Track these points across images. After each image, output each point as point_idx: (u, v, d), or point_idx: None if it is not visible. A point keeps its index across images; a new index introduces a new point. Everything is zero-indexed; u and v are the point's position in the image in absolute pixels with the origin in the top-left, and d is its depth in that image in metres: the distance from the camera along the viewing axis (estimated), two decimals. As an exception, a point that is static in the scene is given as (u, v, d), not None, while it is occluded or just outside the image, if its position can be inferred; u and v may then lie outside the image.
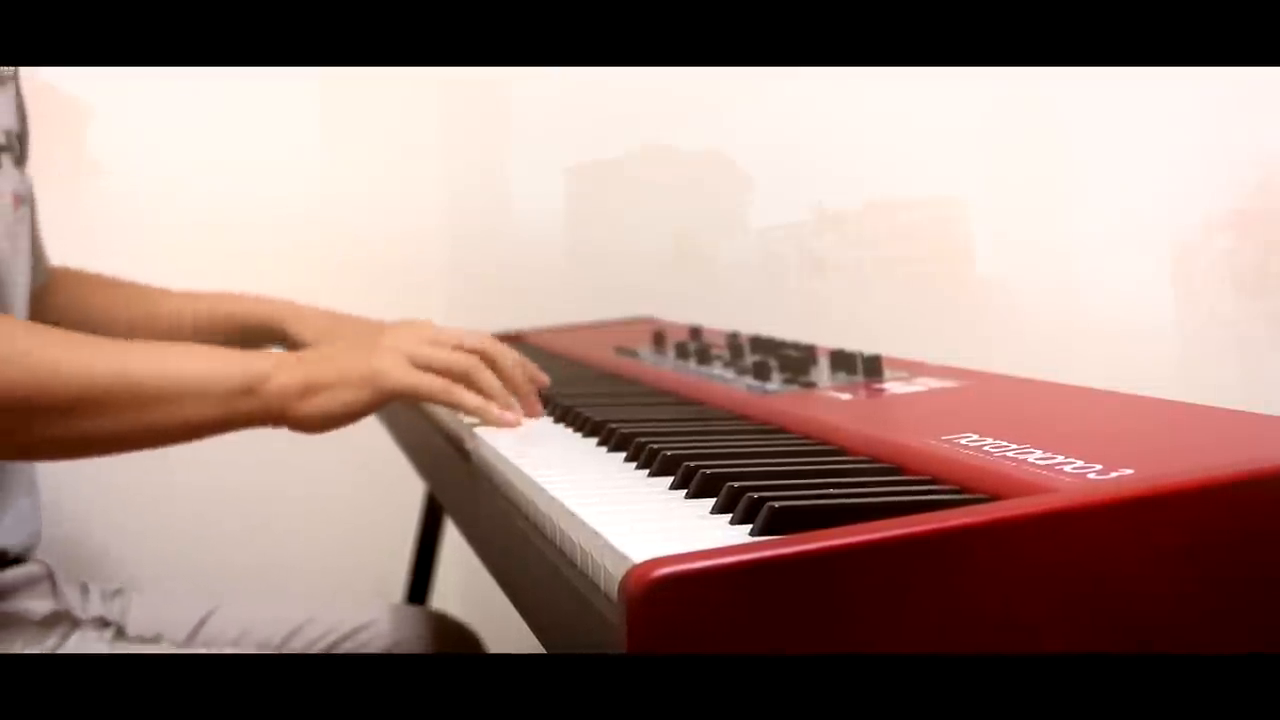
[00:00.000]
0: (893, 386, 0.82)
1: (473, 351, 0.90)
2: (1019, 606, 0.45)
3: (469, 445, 0.86)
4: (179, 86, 1.72)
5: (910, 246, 1.31)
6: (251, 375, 0.86)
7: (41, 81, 1.63)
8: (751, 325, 1.18)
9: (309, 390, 0.86)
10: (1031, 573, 0.46)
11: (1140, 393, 0.72)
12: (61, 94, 1.67)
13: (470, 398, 0.87)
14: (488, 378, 0.89)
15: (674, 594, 0.42)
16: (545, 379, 0.95)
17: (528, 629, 0.61)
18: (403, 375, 0.87)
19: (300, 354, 0.91)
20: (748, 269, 1.54)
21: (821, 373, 0.89)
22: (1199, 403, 0.66)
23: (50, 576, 1.07)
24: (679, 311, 1.47)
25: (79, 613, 1.07)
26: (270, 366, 0.87)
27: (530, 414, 0.90)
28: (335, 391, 0.86)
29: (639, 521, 0.55)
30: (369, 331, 0.96)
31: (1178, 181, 1.02)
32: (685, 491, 0.62)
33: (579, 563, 0.55)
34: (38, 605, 1.03)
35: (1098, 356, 1.07)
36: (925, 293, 1.28)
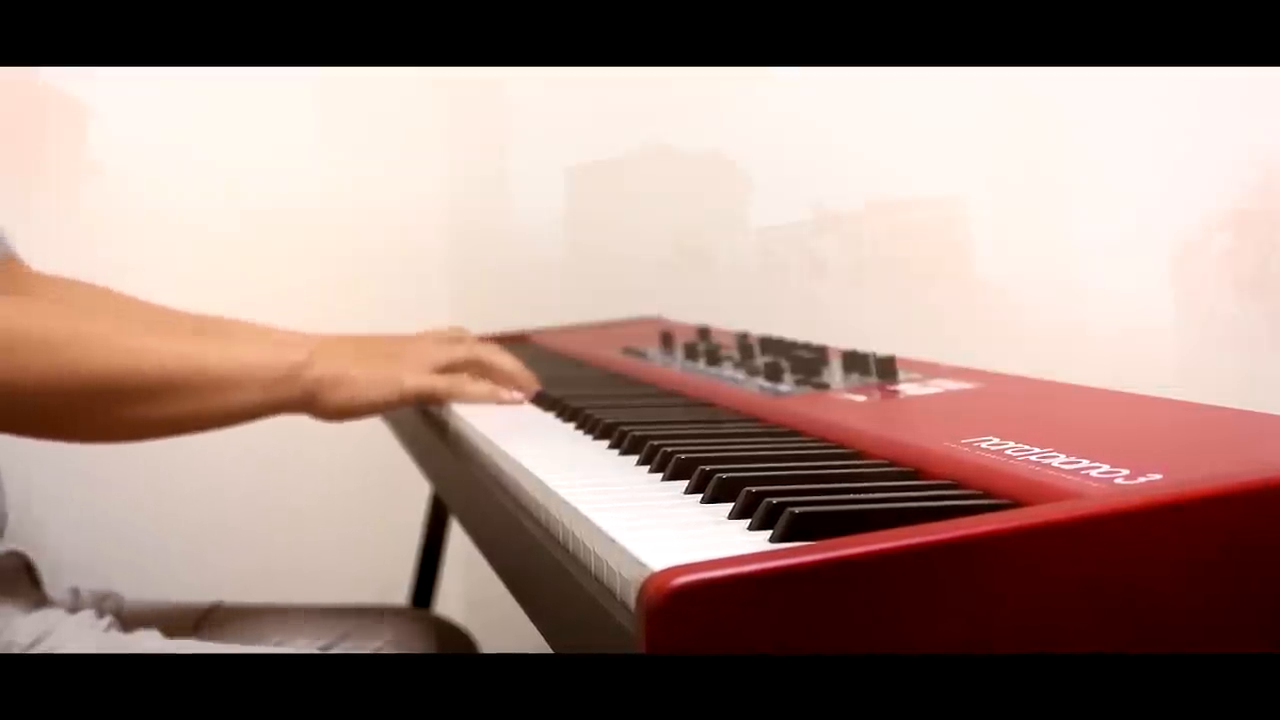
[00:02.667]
0: (907, 388, 0.81)
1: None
2: (1048, 615, 0.44)
3: (466, 439, 0.87)
4: (179, 86, 1.72)
5: (910, 246, 1.31)
6: (294, 364, 0.95)
7: (41, 81, 1.63)
8: (751, 325, 1.18)
9: (340, 383, 0.96)
10: (1062, 580, 0.45)
11: (1140, 393, 0.72)
12: (61, 94, 1.67)
13: (477, 387, 0.99)
14: (499, 358, 1.03)
15: (694, 603, 0.41)
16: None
17: (535, 633, 0.61)
18: (422, 379, 0.98)
19: (336, 345, 1.00)
20: (748, 269, 1.54)
21: (834, 374, 0.88)
22: (1211, 404, 0.65)
23: (29, 567, 1.06)
24: (679, 311, 1.47)
25: (67, 609, 1.06)
26: (307, 357, 0.95)
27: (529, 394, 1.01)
28: (361, 388, 0.96)
29: (655, 527, 0.54)
30: (390, 343, 1.06)
31: (1178, 181, 1.02)
32: (701, 496, 0.60)
33: (593, 569, 0.54)
34: (19, 594, 1.02)
35: (1098, 357, 1.07)
36: (925, 293, 1.28)
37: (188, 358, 0.91)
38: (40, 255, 1.17)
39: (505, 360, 1.04)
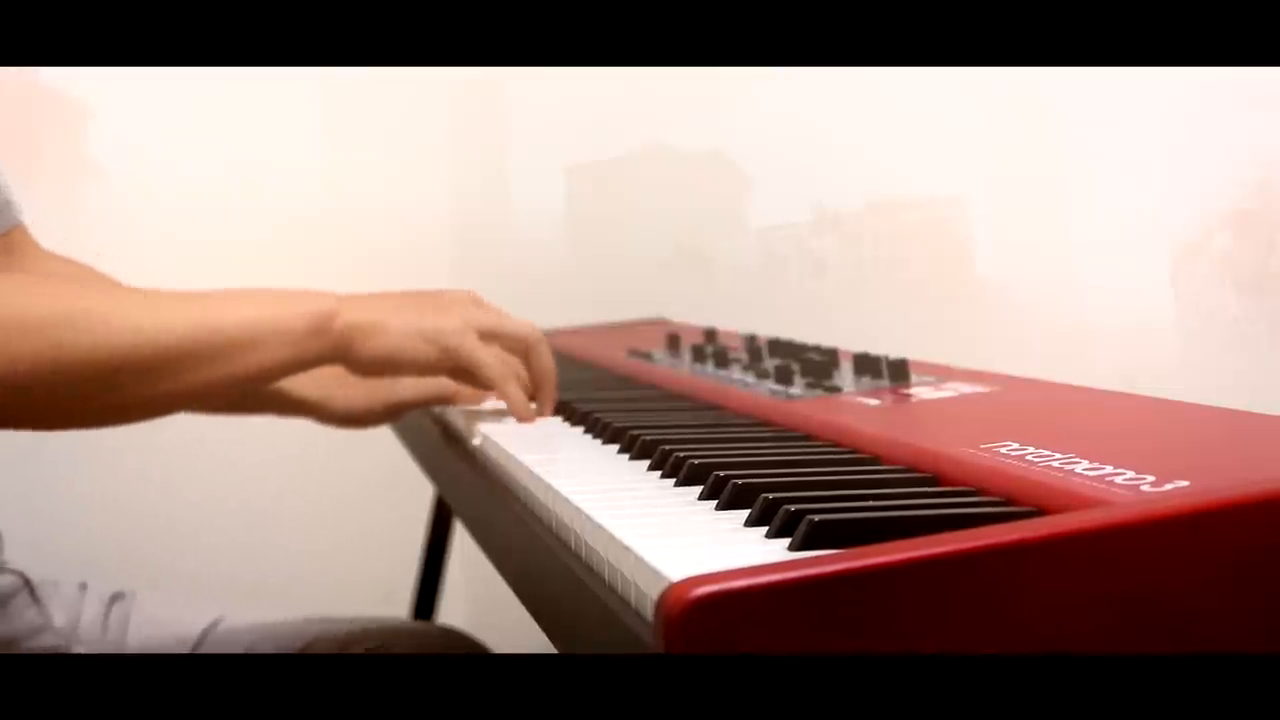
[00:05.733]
0: (921, 392, 0.80)
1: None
2: (1075, 626, 0.43)
3: (474, 444, 0.86)
4: (179, 86, 1.72)
5: (910, 246, 1.31)
6: (321, 314, 0.85)
7: (42, 81, 1.63)
8: (751, 325, 1.18)
9: (375, 330, 0.86)
10: (1089, 591, 0.44)
11: (1145, 394, 0.72)
12: (61, 94, 1.67)
13: (516, 393, 0.89)
14: (548, 356, 0.93)
15: (714, 614, 0.40)
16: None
17: (540, 639, 0.60)
18: (465, 340, 0.88)
19: (367, 296, 0.91)
20: (748, 269, 1.54)
21: (845, 377, 0.86)
22: (1229, 408, 0.64)
23: (28, 587, 1.04)
24: (678, 312, 1.47)
25: (61, 621, 1.05)
26: (335, 304, 0.86)
27: (543, 411, 0.92)
28: (397, 339, 0.87)
29: (670, 535, 0.53)
30: (430, 291, 0.96)
31: (1178, 181, 1.02)
32: (716, 502, 0.59)
33: (607, 578, 0.53)
34: (16, 625, 1.01)
35: (1098, 357, 1.07)
36: (925, 293, 1.28)
37: (201, 323, 0.82)
38: (40, 255, 1.17)
39: (552, 368, 0.93)
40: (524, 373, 0.93)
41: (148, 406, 0.84)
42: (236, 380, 0.84)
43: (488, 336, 0.89)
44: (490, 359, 0.88)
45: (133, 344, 0.80)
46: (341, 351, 0.86)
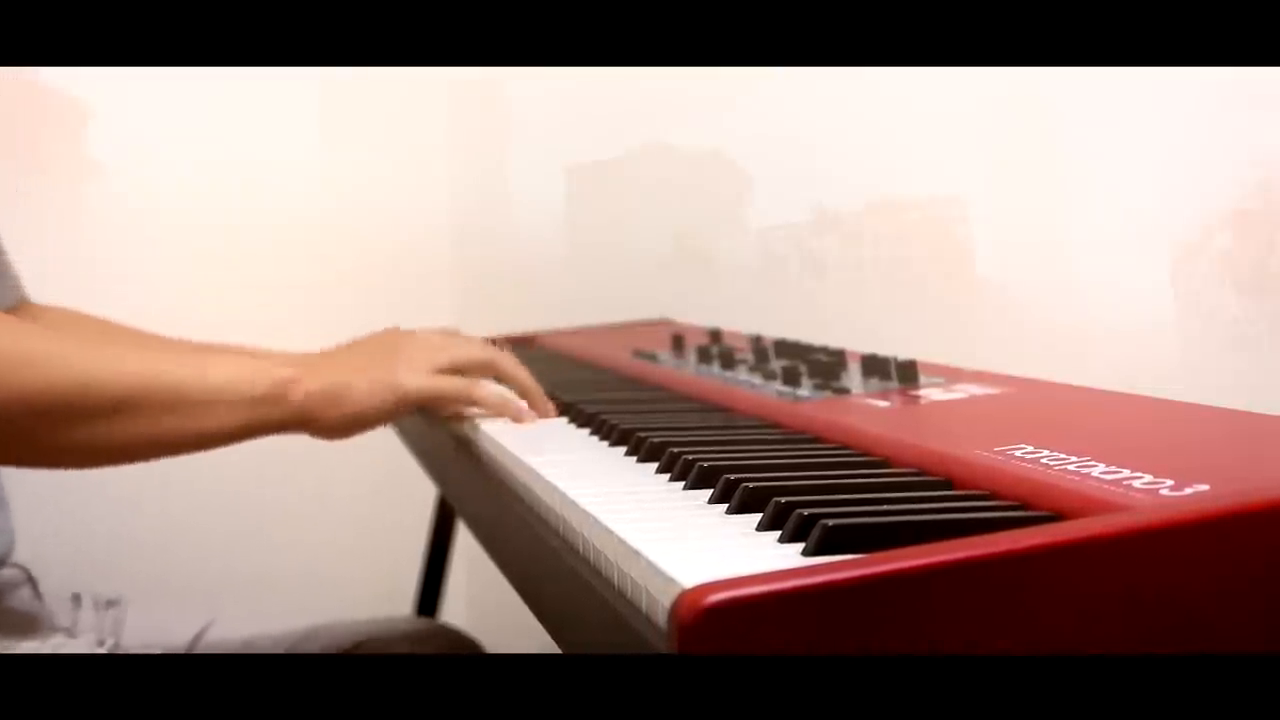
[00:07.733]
0: (930, 393, 0.79)
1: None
2: (1094, 633, 0.43)
3: (479, 446, 0.86)
4: (179, 86, 1.72)
5: (910, 246, 1.31)
6: (277, 382, 0.86)
7: (41, 81, 1.63)
8: (751, 325, 1.18)
9: (334, 397, 0.87)
10: (1110, 596, 0.43)
11: (1143, 394, 0.72)
12: (61, 94, 1.67)
13: (491, 393, 0.90)
14: (512, 363, 0.93)
15: (728, 622, 0.39)
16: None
17: (539, 644, 0.59)
18: (424, 381, 0.89)
19: (324, 358, 0.92)
20: (748, 269, 1.54)
21: (853, 378, 0.86)
22: (1241, 410, 0.64)
23: (30, 581, 1.04)
24: (678, 311, 1.47)
25: (66, 623, 1.05)
26: (294, 372, 0.87)
27: (544, 414, 0.92)
28: (359, 399, 0.88)
29: (681, 540, 0.53)
30: (382, 341, 0.96)
31: (1178, 181, 1.02)
32: (726, 506, 0.59)
33: (616, 583, 0.52)
34: (21, 613, 1.02)
35: (1097, 356, 1.07)
36: (925, 293, 1.28)
37: (153, 374, 0.82)
38: (41, 255, 1.17)
39: (522, 372, 0.94)
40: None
41: (89, 453, 0.84)
42: (185, 437, 0.84)
43: (449, 370, 0.91)
44: (455, 388, 0.90)
45: (80, 386, 0.80)
46: (307, 419, 0.87)
